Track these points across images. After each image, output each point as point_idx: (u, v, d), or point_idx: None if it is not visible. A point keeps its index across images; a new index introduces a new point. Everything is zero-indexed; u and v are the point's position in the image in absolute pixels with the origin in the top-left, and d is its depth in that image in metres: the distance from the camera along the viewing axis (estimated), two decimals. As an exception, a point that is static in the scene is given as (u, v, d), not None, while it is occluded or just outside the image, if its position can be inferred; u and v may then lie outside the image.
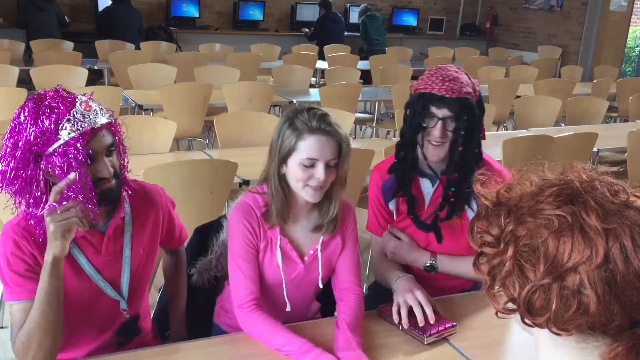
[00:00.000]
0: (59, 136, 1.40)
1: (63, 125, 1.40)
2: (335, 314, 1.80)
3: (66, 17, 8.00)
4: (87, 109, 1.44)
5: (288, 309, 1.79)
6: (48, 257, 1.43)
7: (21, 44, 7.00)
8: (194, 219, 2.15)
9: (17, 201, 1.47)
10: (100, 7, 8.41)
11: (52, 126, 1.39)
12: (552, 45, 10.13)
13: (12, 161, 1.42)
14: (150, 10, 9.23)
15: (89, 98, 1.48)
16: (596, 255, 0.83)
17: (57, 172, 1.41)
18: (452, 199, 1.89)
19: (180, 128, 4.03)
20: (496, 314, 0.95)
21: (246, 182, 2.84)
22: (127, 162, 1.61)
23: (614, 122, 6.55)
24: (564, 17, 10.07)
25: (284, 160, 1.64)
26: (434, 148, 1.86)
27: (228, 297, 1.87)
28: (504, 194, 0.95)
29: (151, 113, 4.85)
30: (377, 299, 1.89)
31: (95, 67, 6.65)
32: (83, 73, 5.33)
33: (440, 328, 1.70)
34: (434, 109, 1.82)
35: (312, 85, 6.56)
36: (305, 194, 1.65)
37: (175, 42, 8.38)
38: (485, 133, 1.98)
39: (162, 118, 3.98)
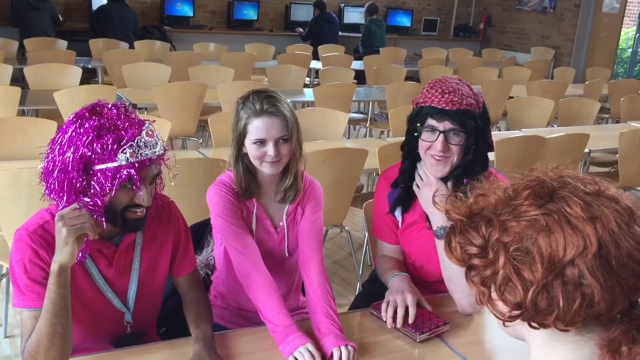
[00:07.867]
0: (116, 158, 1.39)
1: (124, 149, 1.39)
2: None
3: (60, 16, 7.99)
4: (151, 138, 1.44)
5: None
6: (54, 266, 1.40)
7: (15, 43, 6.96)
8: (188, 218, 2.14)
9: (58, 204, 1.45)
10: (95, 6, 8.40)
11: (114, 146, 1.38)
12: (545, 46, 10.18)
13: (62, 166, 1.40)
14: (144, 9, 9.21)
15: (152, 127, 1.47)
16: (590, 245, 0.85)
17: (97, 188, 1.40)
18: None
19: (175, 127, 4.04)
20: (503, 324, 0.95)
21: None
22: (161, 190, 1.60)
23: (605, 123, 6.60)
24: (556, 18, 10.12)
25: (241, 141, 1.75)
26: (437, 163, 1.78)
27: (218, 283, 1.93)
28: (475, 206, 0.96)
29: (145, 112, 4.85)
30: (370, 297, 1.90)
31: (89, 66, 6.64)
32: (77, 72, 5.31)
33: (433, 326, 1.72)
34: (434, 122, 1.76)
35: (306, 85, 6.57)
36: (264, 169, 1.76)
37: (169, 41, 8.37)
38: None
39: (156, 117, 3.98)
